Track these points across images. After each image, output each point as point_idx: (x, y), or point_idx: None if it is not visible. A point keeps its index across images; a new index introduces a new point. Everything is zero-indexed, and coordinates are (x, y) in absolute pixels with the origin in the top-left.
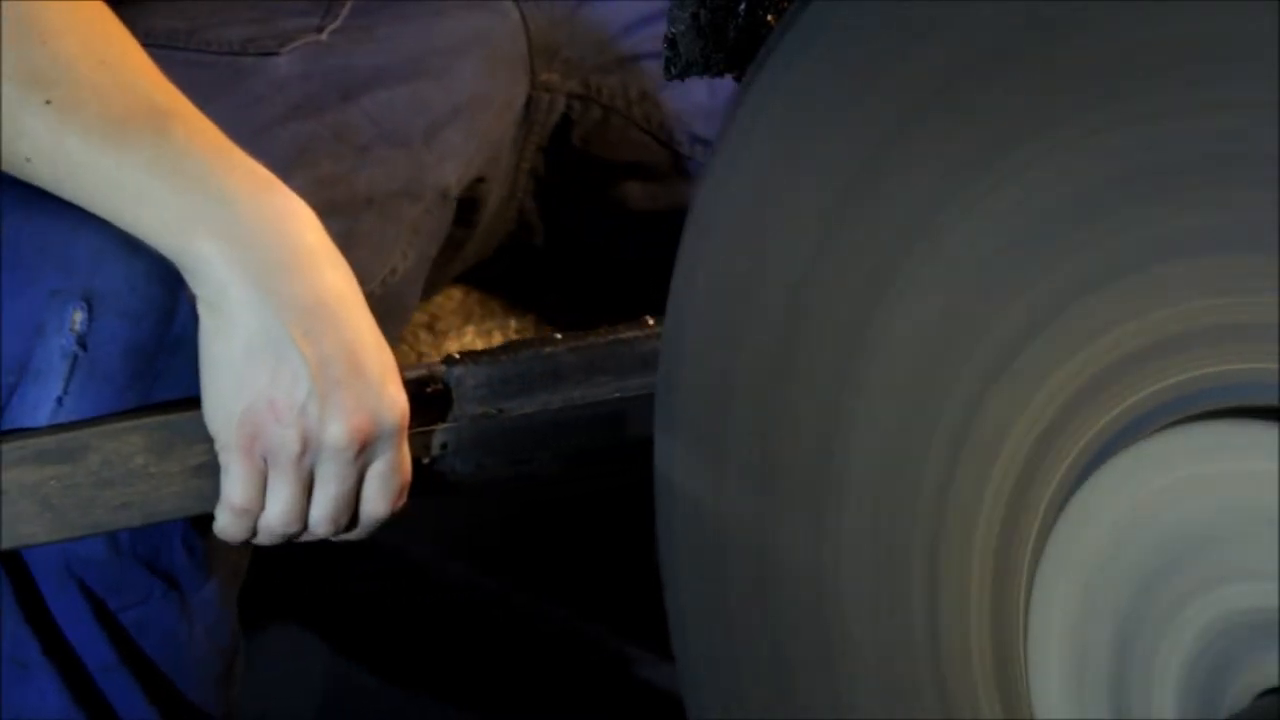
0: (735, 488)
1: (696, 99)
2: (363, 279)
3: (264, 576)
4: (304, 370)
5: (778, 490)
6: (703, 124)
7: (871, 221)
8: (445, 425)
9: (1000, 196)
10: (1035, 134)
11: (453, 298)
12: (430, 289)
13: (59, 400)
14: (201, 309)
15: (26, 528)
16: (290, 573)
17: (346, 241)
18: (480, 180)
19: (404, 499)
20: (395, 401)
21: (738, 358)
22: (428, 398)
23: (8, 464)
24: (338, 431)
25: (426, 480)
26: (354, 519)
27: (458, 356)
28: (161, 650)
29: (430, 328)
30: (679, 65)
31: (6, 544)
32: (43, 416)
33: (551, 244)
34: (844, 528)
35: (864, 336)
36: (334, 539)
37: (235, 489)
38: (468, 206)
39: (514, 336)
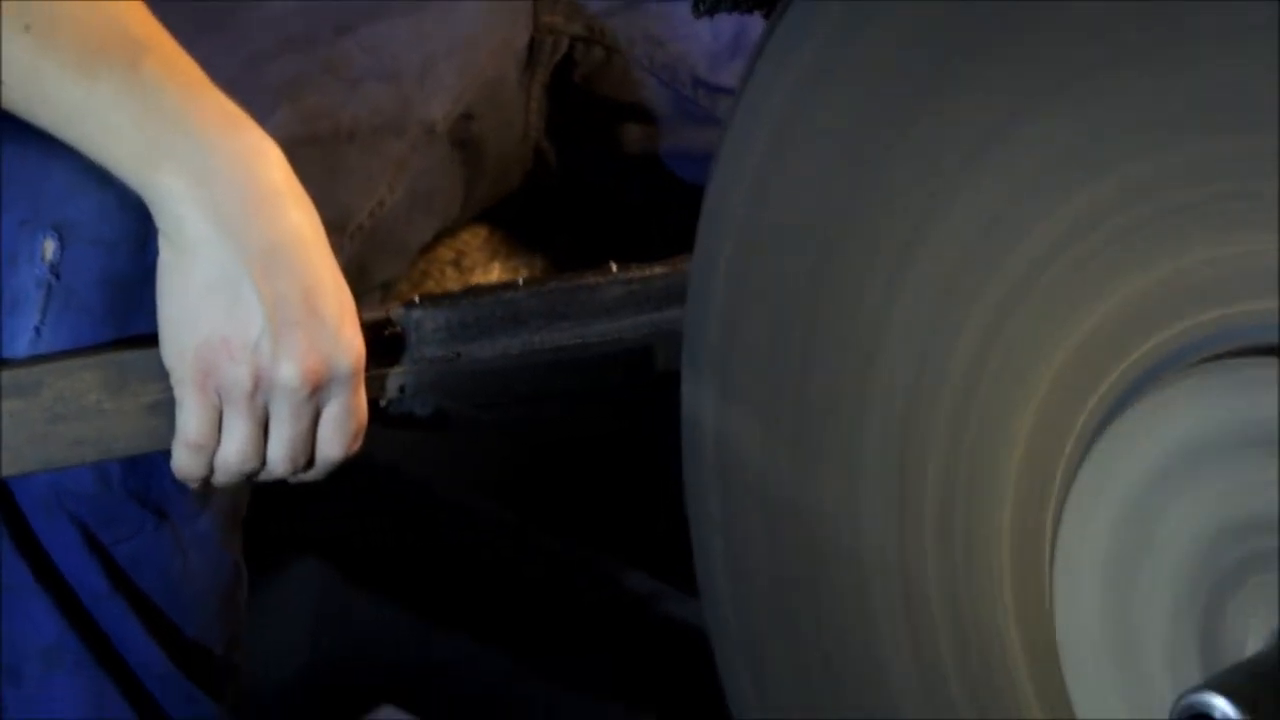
0: (766, 427)
1: (700, 42)
2: (348, 213)
3: (274, 513)
4: (259, 309)
5: (811, 429)
6: (706, 67)
7: (914, 154)
8: (403, 368)
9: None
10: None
11: (479, 235)
12: (450, 227)
13: (37, 330)
14: (162, 242)
15: None
16: (303, 508)
17: (329, 175)
18: (469, 117)
19: (359, 442)
20: (350, 344)
21: (770, 298)
22: (386, 341)
23: None
24: (290, 371)
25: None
26: (311, 460)
27: (417, 300)
28: (157, 583)
29: (456, 264)
30: (708, 2)
31: None
32: (21, 347)
33: (560, 185)
34: (870, 463)
35: (902, 277)
36: (292, 479)
37: (190, 424)
38: (465, 146)
39: (539, 274)
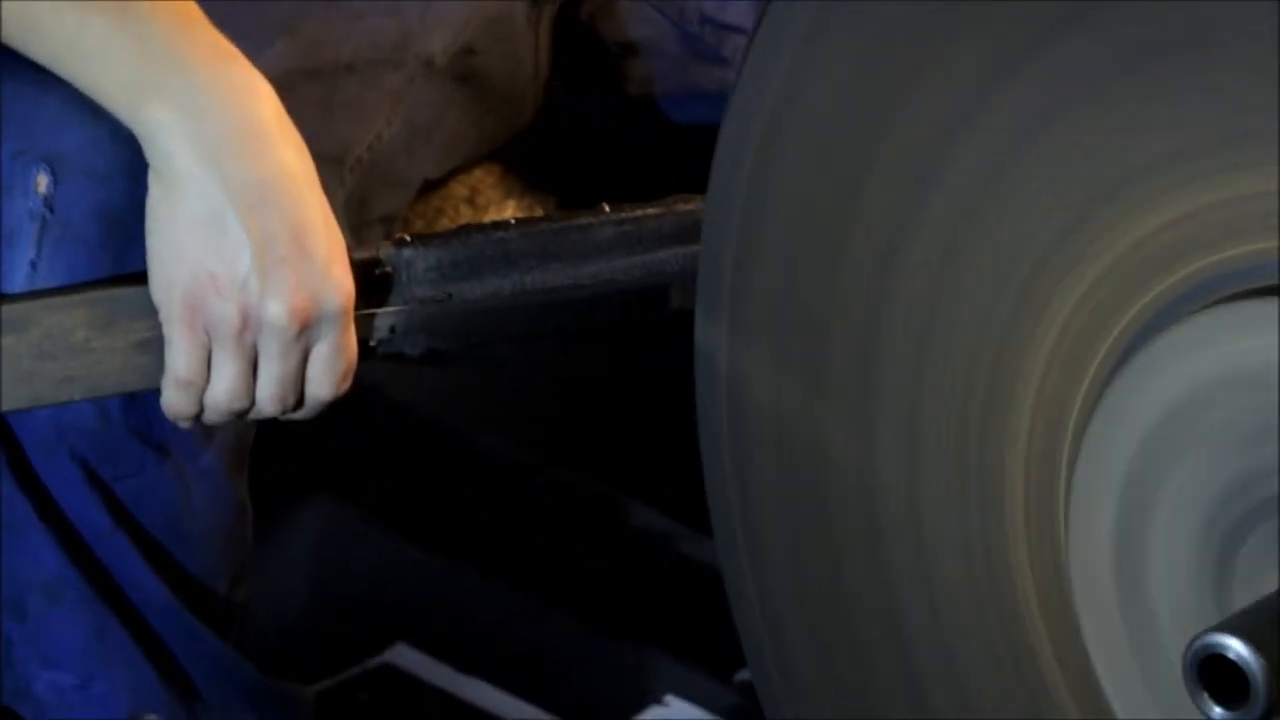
0: (780, 364)
1: None
2: (346, 146)
3: (284, 451)
4: (247, 246)
5: (824, 367)
6: (714, 4)
7: (937, 84)
8: (392, 308)
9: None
10: None
11: (493, 172)
12: (463, 164)
13: (33, 264)
14: (151, 177)
15: None
16: (314, 446)
17: (326, 108)
18: (470, 52)
19: (349, 382)
20: (339, 283)
21: (791, 236)
22: (376, 280)
23: None
24: (278, 310)
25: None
26: (301, 399)
27: (408, 239)
28: (159, 519)
29: (471, 201)
30: None
31: None
32: (19, 281)
33: (568, 129)
34: (884, 401)
35: (918, 214)
36: (282, 418)
37: (178, 361)
38: (469, 81)
39: (553, 213)
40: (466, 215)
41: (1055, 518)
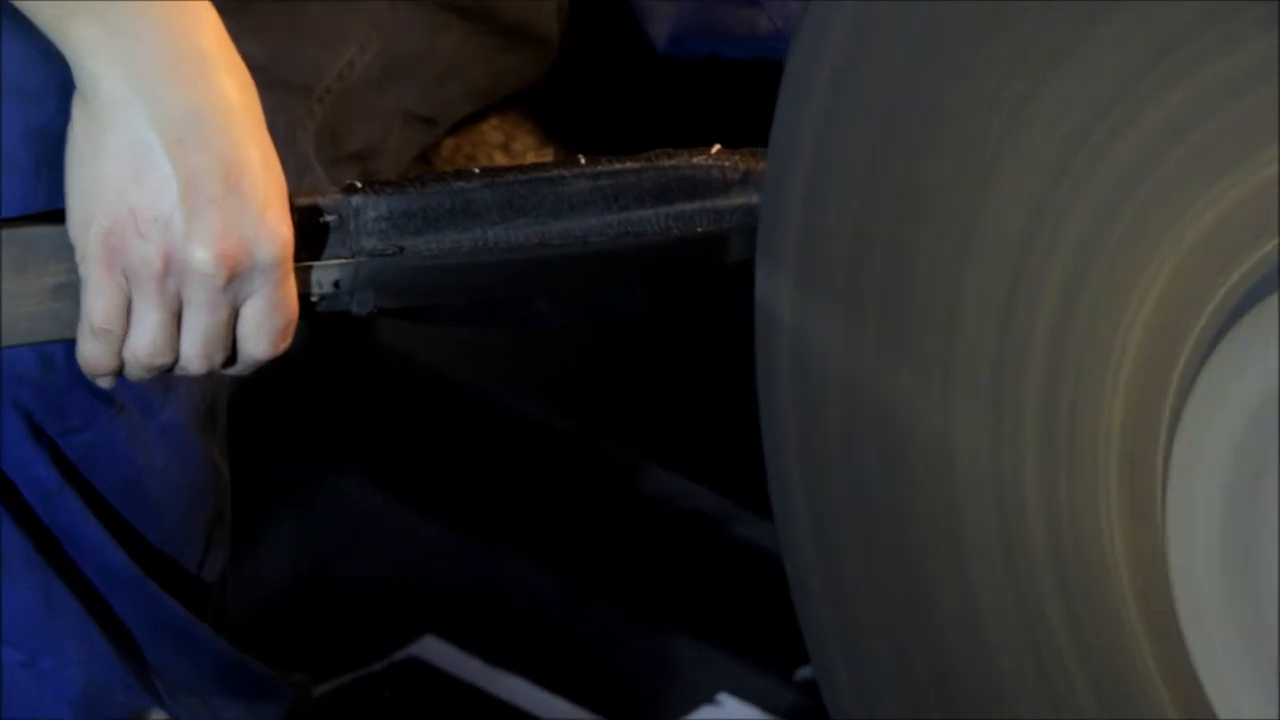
0: (850, 324)
1: None
2: (315, 72)
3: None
4: (172, 181)
5: (900, 328)
6: None
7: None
8: (338, 260)
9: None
10: None
11: (530, 117)
12: (492, 106)
13: None
14: (76, 103)
15: None
16: (351, 406)
17: (291, 30)
18: None
19: (288, 340)
20: (275, 229)
21: (858, 186)
22: (321, 229)
23: None
24: (203, 255)
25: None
26: (232, 357)
27: (358, 185)
28: (114, 479)
29: (505, 148)
30: None
31: None
32: None
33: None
34: (965, 365)
35: (994, 173)
36: (215, 375)
37: (95, 305)
38: (472, 15)
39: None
40: (501, 162)
41: (1153, 499)
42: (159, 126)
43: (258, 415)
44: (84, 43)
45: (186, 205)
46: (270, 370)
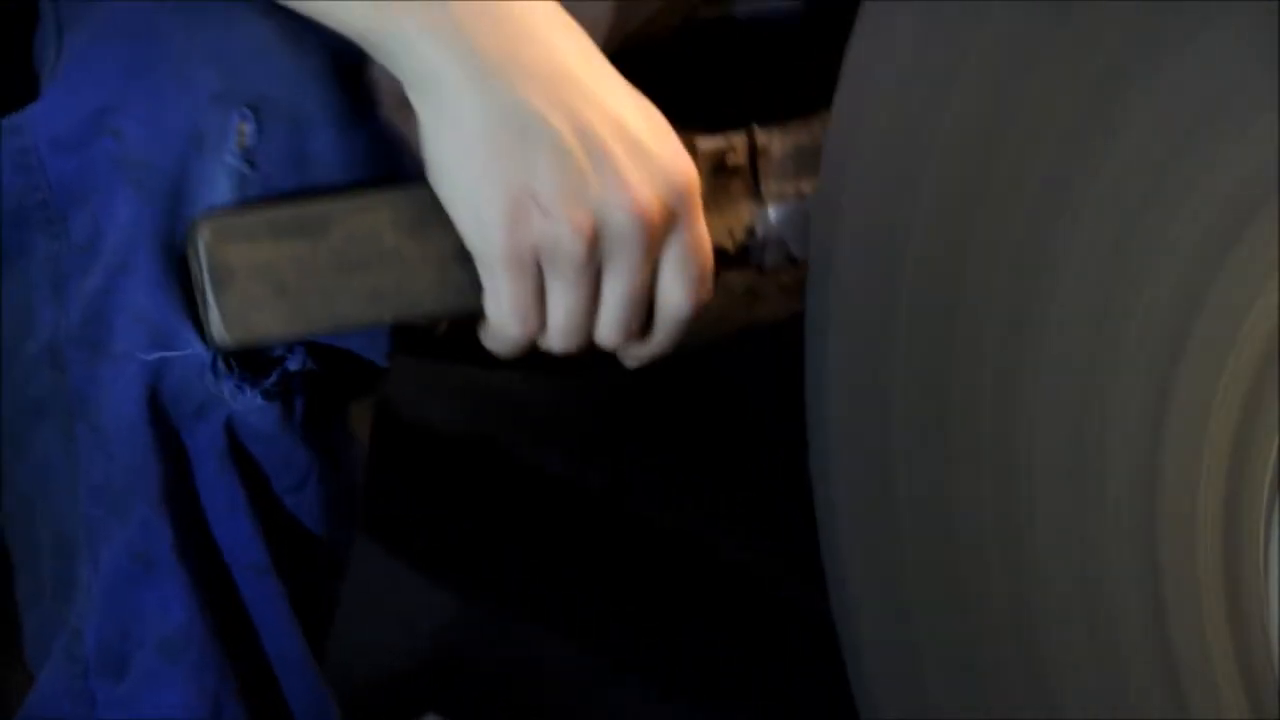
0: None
1: None
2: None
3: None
4: (565, 148)
5: (968, 354)
6: None
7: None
8: (749, 205)
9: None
10: None
11: None
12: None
13: None
14: (416, 104)
15: (258, 318)
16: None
17: None
18: None
19: (707, 289)
20: (678, 167)
21: (905, 237)
22: (728, 171)
23: (235, 237)
24: (621, 215)
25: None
26: (646, 326)
27: (757, 126)
28: (307, 552)
29: None
30: None
31: (236, 337)
32: None
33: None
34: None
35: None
36: (628, 358)
37: (506, 307)
38: None
39: None
40: None
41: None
42: (526, 91)
43: None
44: (415, 34)
45: (590, 169)
46: None
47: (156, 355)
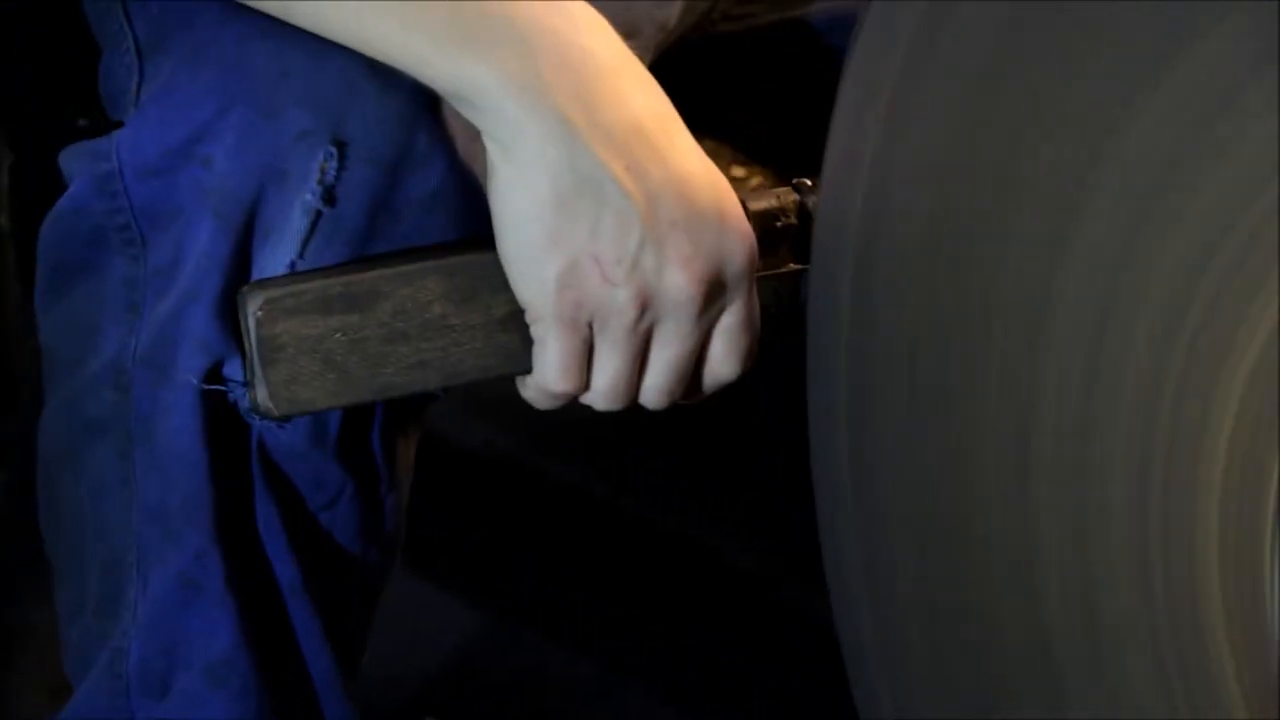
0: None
1: None
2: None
3: None
4: (633, 213)
5: (979, 363)
6: None
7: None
8: (795, 267)
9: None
10: None
11: None
12: None
13: (291, 265)
14: (493, 154)
15: (305, 391)
16: None
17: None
18: None
19: (754, 357)
20: (740, 239)
21: (906, 237)
22: (777, 233)
23: (284, 312)
24: (680, 284)
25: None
26: (692, 385)
27: (809, 183)
28: (339, 571)
29: None
30: None
31: (283, 410)
32: None
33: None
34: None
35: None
36: (652, 403)
37: (555, 365)
38: None
39: None
40: None
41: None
42: (603, 153)
43: None
44: (493, 85)
45: (653, 237)
46: None
47: (212, 387)
